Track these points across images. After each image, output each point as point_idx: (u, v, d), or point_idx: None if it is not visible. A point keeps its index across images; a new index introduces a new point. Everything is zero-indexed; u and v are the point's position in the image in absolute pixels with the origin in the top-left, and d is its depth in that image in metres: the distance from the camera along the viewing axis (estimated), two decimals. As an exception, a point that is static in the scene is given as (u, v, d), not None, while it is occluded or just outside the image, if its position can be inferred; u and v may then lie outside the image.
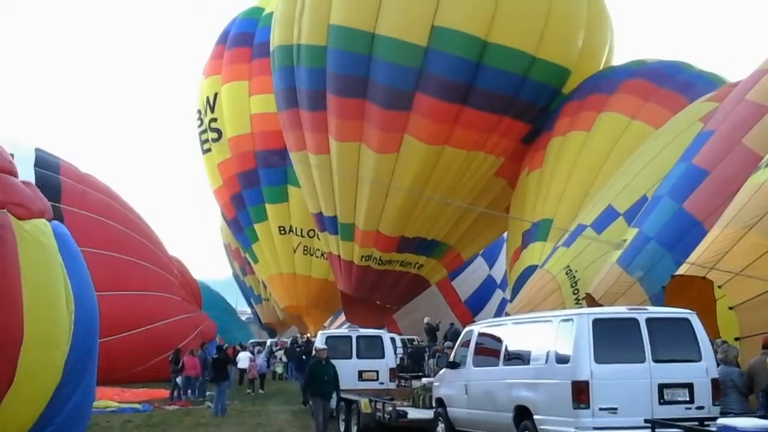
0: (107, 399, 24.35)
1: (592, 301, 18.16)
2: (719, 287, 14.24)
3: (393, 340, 23.54)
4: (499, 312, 36.35)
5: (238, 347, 35.93)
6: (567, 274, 20.82)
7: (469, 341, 15.04)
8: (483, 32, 26.73)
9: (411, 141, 27.94)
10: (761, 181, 14.93)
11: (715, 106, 20.69)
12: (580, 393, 11.50)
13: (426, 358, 25.85)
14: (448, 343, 23.66)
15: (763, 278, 13.55)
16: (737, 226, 14.53)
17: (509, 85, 27.33)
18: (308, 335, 36.77)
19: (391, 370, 21.28)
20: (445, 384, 15.53)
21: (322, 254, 36.11)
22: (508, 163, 28.76)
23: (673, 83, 25.89)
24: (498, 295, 38.29)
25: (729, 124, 18.38)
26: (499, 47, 26.80)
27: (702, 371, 11.78)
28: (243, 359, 31.49)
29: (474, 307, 38.31)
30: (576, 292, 20.46)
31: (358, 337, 21.54)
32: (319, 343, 20.11)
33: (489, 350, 14.37)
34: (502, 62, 26.96)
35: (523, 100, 27.78)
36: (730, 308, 13.90)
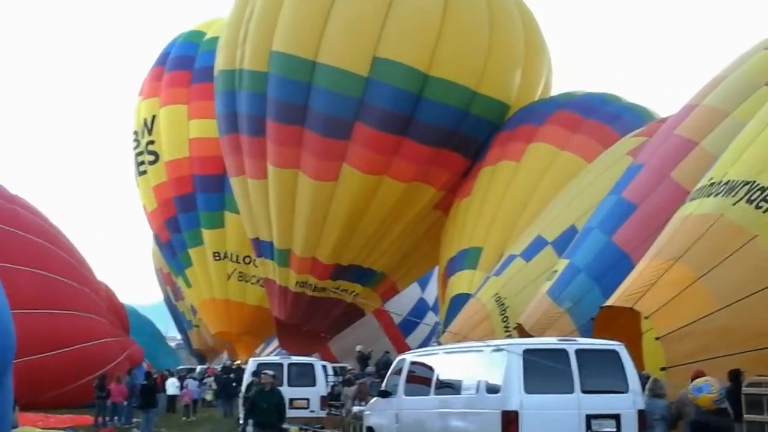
0: (30, 425, 23.66)
1: (522, 331, 18.33)
2: (646, 318, 14.49)
3: (324, 367, 23.42)
4: (431, 334, 36.52)
5: (166, 373, 35.34)
6: (496, 301, 21.06)
7: (401, 370, 15.03)
8: (424, 65, 27.05)
9: (349, 170, 28.01)
10: (687, 214, 15.30)
11: (645, 140, 21.22)
12: (510, 423, 11.56)
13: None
14: (369, 369, 23.75)
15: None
16: (664, 258, 14.84)
17: (450, 119, 27.67)
18: (239, 362, 36.37)
19: (322, 398, 21.12)
20: (377, 412, 15.47)
21: (258, 281, 35.89)
22: (448, 197, 29.02)
23: (600, 115, 26.60)
24: (430, 318, 38.43)
25: (658, 158, 18.85)
26: (440, 81, 27.14)
27: (629, 402, 11.92)
28: (171, 386, 31.02)
29: (406, 329, 38.39)
30: (505, 319, 20.67)
31: (289, 365, 21.34)
32: (250, 369, 19.80)
33: (421, 379, 14.38)
34: (443, 96, 27.28)
35: (463, 135, 28.13)
36: (657, 339, 14.15)
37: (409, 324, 38.25)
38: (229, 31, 30.41)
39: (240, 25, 29.47)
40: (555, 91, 31.03)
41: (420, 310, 38.91)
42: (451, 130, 27.85)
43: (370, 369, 23.81)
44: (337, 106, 27.41)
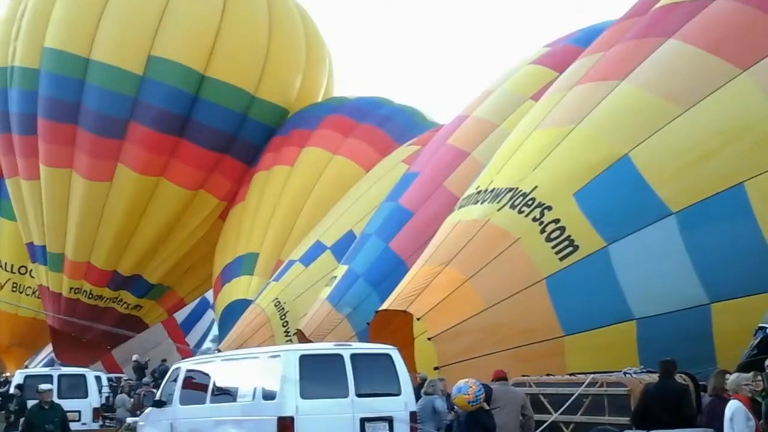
0: None
1: (303, 337, 18.47)
2: (418, 320, 14.98)
3: (98, 378, 22.67)
4: (207, 333, 36.47)
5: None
6: (276, 306, 21.17)
7: (177, 378, 14.68)
8: (201, 66, 26.93)
9: (124, 170, 27.38)
10: (456, 221, 15.94)
11: (419, 149, 22.00)
12: (285, 429, 11.57)
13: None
14: (146, 380, 23.29)
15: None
16: (435, 262, 15.38)
17: (228, 122, 27.63)
18: (6, 375, 34.43)
19: (95, 410, 20.43)
20: (151, 423, 15.00)
21: (33, 292, 34.18)
22: (231, 206, 28.75)
23: (371, 118, 27.43)
24: (209, 315, 38.06)
25: (432, 167, 19.57)
26: (217, 82, 27.07)
27: (401, 405, 12.24)
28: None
29: (187, 328, 37.82)
30: (285, 324, 20.80)
31: (60, 376, 20.49)
32: (18, 381, 18.83)
33: (197, 387, 14.08)
34: (220, 98, 27.21)
35: (243, 140, 28.12)
36: (429, 339, 14.66)
37: (188, 324, 37.77)
38: (2, 28, 29.41)
39: (13, 21, 28.60)
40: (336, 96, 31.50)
41: (201, 308, 38.48)
42: (230, 133, 27.84)
43: (147, 379, 23.28)
44: (110, 104, 26.81)
